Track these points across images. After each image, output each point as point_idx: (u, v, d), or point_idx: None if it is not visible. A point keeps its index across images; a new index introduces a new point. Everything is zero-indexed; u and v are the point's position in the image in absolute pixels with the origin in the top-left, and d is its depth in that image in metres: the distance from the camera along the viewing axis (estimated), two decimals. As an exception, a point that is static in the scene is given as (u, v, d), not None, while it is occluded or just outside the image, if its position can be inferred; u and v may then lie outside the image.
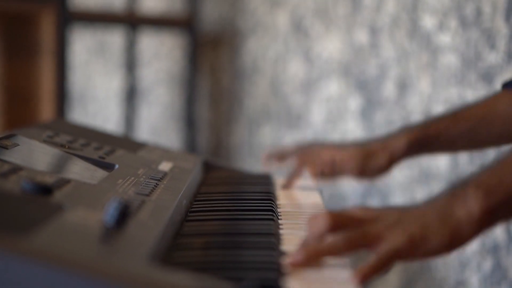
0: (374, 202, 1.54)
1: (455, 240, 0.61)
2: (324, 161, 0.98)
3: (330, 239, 0.62)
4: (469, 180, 0.63)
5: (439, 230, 0.61)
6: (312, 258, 0.60)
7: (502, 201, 0.62)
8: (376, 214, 0.63)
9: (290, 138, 1.80)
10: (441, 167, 1.40)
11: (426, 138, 0.96)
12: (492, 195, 0.62)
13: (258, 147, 1.91)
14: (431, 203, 0.64)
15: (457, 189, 0.63)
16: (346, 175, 0.98)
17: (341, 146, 1.01)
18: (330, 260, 0.62)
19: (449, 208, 0.62)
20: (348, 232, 0.62)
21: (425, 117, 1.42)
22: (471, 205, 0.61)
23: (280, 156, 1.02)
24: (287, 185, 0.98)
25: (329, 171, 0.97)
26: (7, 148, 0.75)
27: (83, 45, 2.34)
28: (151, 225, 0.61)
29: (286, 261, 0.61)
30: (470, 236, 0.62)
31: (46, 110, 1.83)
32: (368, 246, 0.61)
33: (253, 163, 1.89)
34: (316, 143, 1.06)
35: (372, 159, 0.97)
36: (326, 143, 1.04)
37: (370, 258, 0.61)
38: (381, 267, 0.60)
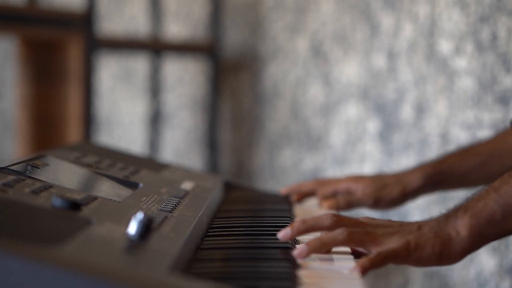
0: (393, 223, 1.55)
1: (445, 252, 0.69)
2: (340, 191, 1.01)
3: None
4: (460, 205, 0.72)
5: (433, 241, 0.68)
6: (315, 249, 0.67)
7: (486, 222, 0.70)
8: (379, 222, 0.70)
9: (310, 161, 1.83)
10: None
11: (440, 173, 1.00)
12: (477, 217, 0.69)
13: (279, 169, 1.94)
14: (427, 221, 0.71)
15: (451, 211, 0.71)
16: (361, 206, 1.01)
17: (356, 177, 1.04)
18: (344, 273, 0.65)
19: (442, 225, 0.69)
20: (351, 227, 0.69)
21: (442, 139, 1.44)
22: (459, 226, 0.69)
23: (299, 193, 1.04)
24: (294, 199, 1.02)
25: (344, 204, 1.00)
26: (38, 168, 0.79)
27: (109, 71, 2.41)
28: (173, 238, 0.64)
29: (281, 239, 0.69)
30: (459, 253, 0.69)
31: (73, 135, 1.88)
32: (367, 245, 0.68)
33: (274, 185, 1.91)
34: (333, 177, 1.09)
35: (385, 191, 1.00)
36: (342, 176, 1.07)
37: (370, 254, 0.67)
38: (379, 263, 0.67)
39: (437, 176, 1.00)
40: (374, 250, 0.68)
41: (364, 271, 0.65)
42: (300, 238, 0.77)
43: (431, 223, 0.70)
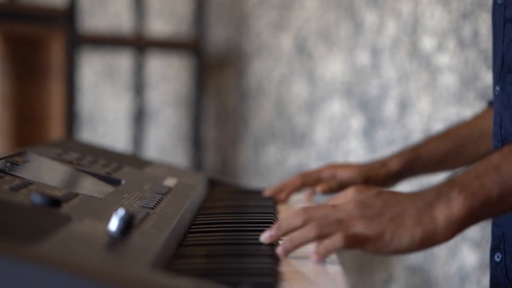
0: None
1: (426, 240, 0.64)
2: (324, 177, 1.01)
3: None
4: (454, 181, 0.66)
5: (412, 230, 0.64)
6: (289, 250, 0.66)
7: (482, 203, 0.65)
8: (361, 199, 0.66)
9: (294, 157, 1.83)
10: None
11: (418, 158, 1.01)
12: (474, 198, 0.64)
13: (264, 166, 1.94)
14: (416, 197, 0.66)
15: (443, 187, 0.66)
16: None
17: (339, 164, 1.05)
18: (325, 267, 0.65)
19: (431, 207, 0.65)
20: (319, 219, 0.66)
21: (425, 135, 1.44)
22: (454, 207, 0.64)
23: (287, 190, 1.03)
24: (283, 197, 1.01)
25: (336, 185, 1.00)
26: (17, 164, 0.78)
27: (92, 68, 2.39)
28: (155, 235, 0.64)
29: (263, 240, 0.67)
30: (444, 237, 0.65)
31: (55, 132, 1.86)
32: (332, 233, 0.65)
33: (258, 182, 1.91)
34: (315, 168, 1.08)
35: (372, 172, 1.01)
36: (323, 165, 1.07)
37: (336, 235, 0.64)
38: (345, 245, 0.63)
39: (415, 161, 1.01)
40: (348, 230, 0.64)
41: (320, 258, 0.63)
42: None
43: (418, 202, 0.65)
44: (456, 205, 0.64)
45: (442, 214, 0.64)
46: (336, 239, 0.64)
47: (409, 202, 0.66)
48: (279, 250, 0.67)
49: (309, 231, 0.66)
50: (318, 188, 1.00)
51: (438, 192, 0.66)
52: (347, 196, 0.69)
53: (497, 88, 0.82)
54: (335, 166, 1.03)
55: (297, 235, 0.66)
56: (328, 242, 0.64)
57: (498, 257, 0.80)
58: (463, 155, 1.00)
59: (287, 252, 0.67)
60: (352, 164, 1.06)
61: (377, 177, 1.00)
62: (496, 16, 0.83)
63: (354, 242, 0.64)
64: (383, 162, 1.02)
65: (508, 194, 0.65)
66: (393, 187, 1.05)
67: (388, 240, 0.64)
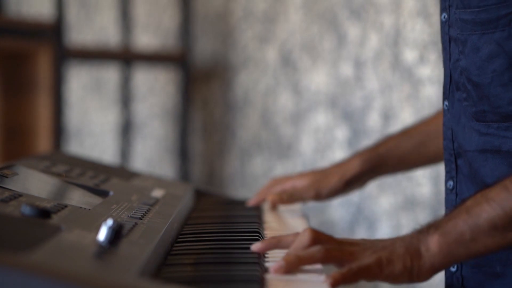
0: (362, 228, 1.58)
1: (415, 268, 0.69)
2: (286, 189, 1.04)
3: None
4: (430, 224, 0.73)
5: (404, 257, 0.69)
6: (293, 265, 0.67)
7: (456, 241, 0.70)
8: (354, 241, 0.71)
9: (280, 168, 1.85)
10: (425, 195, 1.45)
11: (378, 157, 1.01)
12: (446, 236, 0.70)
13: (250, 177, 1.95)
14: (401, 237, 0.72)
15: (423, 228, 0.72)
16: (303, 199, 1.03)
17: (302, 174, 1.07)
18: (311, 274, 0.66)
19: (414, 241, 0.71)
20: (328, 245, 0.69)
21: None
22: (429, 243, 0.70)
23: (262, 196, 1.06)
24: (254, 202, 1.03)
25: (287, 198, 1.02)
26: (7, 177, 0.80)
27: (79, 82, 2.40)
28: (142, 244, 0.65)
29: (269, 268, 0.67)
30: (429, 269, 0.70)
31: (43, 146, 1.87)
32: (341, 261, 0.69)
33: (245, 193, 1.93)
34: (286, 175, 1.11)
35: (324, 181, 1.02)
36: (294, 173, 1.10)
37: (343, 268, 0.68)
38: (350, 278, 0.67)
39: (375, 159, 1.01)
40: (349, 264, 0.68)
41: (335, 284, 0.65)
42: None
43: (403, 239, 0.71)
44: (432, 241, 0.70)
45: (423, 248, 0.70)
46: (347, 271, 0.66)
47: (396, 239, 0.71)
48: (280, 263, 0.66)
49: (317, 252, 0.67)
50: (269, 198, 1.01)
51: (418, 232, 0.72)
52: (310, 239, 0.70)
53: (446, 103, 0.84)
54: (296, 177, 1.04)
55: (305, 253, 0.68)
56: (338, 273, 0.66)
57: (453, 266, 0.82)
58: (424, 153, 1.00)
59: (290, 267, 0.66)
60: (308, 173, 1.06)
61: (328, 185, 1.01)
62: (442, 33, 0.84)
63: (359, 273, 0.67)
64: (338, 166, 1.03)
65: (480, 234, 0.71)
66: (353, 190, 1.05)
67: (385, 264, 0.68)
